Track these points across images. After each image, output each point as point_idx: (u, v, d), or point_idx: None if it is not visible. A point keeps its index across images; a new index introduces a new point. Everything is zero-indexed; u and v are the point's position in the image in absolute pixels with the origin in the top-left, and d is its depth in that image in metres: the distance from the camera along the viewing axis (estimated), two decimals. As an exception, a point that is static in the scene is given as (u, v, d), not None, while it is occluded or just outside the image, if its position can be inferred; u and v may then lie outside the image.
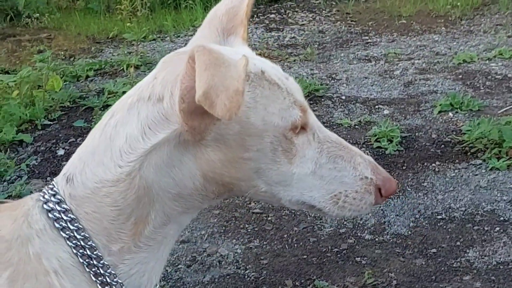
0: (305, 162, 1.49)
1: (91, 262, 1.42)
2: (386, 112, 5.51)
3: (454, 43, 7.34)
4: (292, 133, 1.46)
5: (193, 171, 1.42)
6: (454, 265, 3.61)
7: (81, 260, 1.42)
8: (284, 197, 1.50)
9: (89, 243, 1.42)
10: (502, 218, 3.97)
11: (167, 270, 3.68)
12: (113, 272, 1.44)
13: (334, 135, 1.56)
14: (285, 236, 3.96)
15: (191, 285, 3.58)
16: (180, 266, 3.72)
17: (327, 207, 1.52)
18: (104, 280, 1.43)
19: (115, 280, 1.44)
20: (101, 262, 1.43)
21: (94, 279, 1.42)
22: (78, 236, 1.41)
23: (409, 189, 4.37)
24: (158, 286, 1.55)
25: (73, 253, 1.42)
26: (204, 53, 1.29)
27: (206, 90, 1.24)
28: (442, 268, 3.59)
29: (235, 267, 3.70)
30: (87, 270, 1.42)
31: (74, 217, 1.42)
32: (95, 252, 1.42)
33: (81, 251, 1.42)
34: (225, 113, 1.25)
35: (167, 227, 1.48)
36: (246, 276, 3.62)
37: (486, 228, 3.89)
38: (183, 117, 1.36)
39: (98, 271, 1.42)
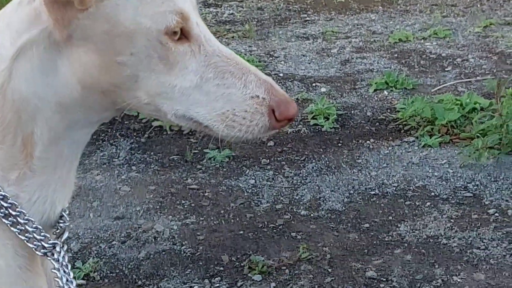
0: (187, 74, 1.40)
1: None
2: (323, 90, 5.56)
3: (391, 22, 7.45)
4: (169, 38, 1.38)
5: (69, 77, 1.37)
6: (386, 239, 3.69)
7: None
8: (169, 111, 1.43)
9: None
10: (433, 194, 4.08)
11: (100, 247, 3.66)
12: (14, 202, 1.39)
13: (228, 51, 1.47)
14: (222, 212, 3.98)
15: (125, 261, 3.56)
16: (114, 242, 3.69)
17: (214, 125, 1.43)
18: (7, 212, 1.38)
19: (17, 210, 1.39)
20: (1, 193, 1.38)
21: None
22: None
23: (344, 165, 4.44)
24: (66, 212, 1.50)
25: None
26: None
27: None
28: (374, 242, 3.67)
29: (171, 243, 3.69)
30: None
31: None
32: None
33: None
34: None
35: (59, 145, 1.42)
36: (182, 252, 3.62)
37: (417, 203, 3.99)
38: (46, 7, 1.31)
39: None
